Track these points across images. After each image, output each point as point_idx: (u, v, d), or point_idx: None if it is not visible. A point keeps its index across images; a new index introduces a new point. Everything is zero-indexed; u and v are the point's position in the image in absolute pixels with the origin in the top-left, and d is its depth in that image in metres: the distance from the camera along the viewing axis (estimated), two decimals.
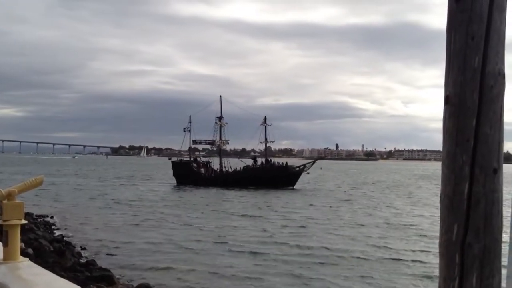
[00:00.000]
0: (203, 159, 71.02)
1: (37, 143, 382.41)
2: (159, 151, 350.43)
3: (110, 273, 15.45)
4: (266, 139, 67.62)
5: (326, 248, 21.44)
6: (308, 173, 63.04)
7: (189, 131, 69.04)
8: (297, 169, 62.68)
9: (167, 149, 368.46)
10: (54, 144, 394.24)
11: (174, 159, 72.57)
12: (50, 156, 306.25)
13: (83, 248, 20.66)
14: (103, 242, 22.18)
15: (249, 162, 67.21)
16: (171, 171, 66.60)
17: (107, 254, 19.75)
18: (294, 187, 60.25)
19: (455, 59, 1.75)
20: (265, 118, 68.45)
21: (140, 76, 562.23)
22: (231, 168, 65.22)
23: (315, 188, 61.51)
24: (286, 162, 66.60)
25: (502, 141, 1.73)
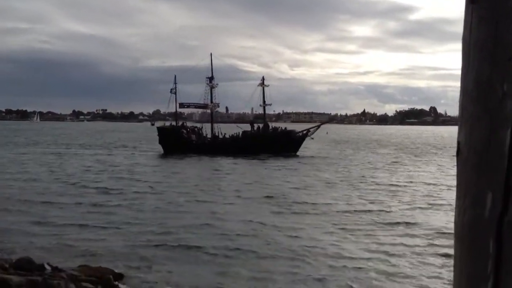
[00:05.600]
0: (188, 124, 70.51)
1: None
2: (39, 115, 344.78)
3: None
4: (264, 101, 66.81)
5: None
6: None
7: (175, 93, 67.71)
8: (300, 134, 62.72)
9: (48, 112, 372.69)
10: None
11: (160, 123, 71.98)
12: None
13: None
14: None
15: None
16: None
17: None
18: (297, 153, 60.53)
19: None
20: (263, 79, 67.59)
21: (14, 34, 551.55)
22: (221, 134, 64.68)
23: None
24: (285, 128, 66.43)
25: None
